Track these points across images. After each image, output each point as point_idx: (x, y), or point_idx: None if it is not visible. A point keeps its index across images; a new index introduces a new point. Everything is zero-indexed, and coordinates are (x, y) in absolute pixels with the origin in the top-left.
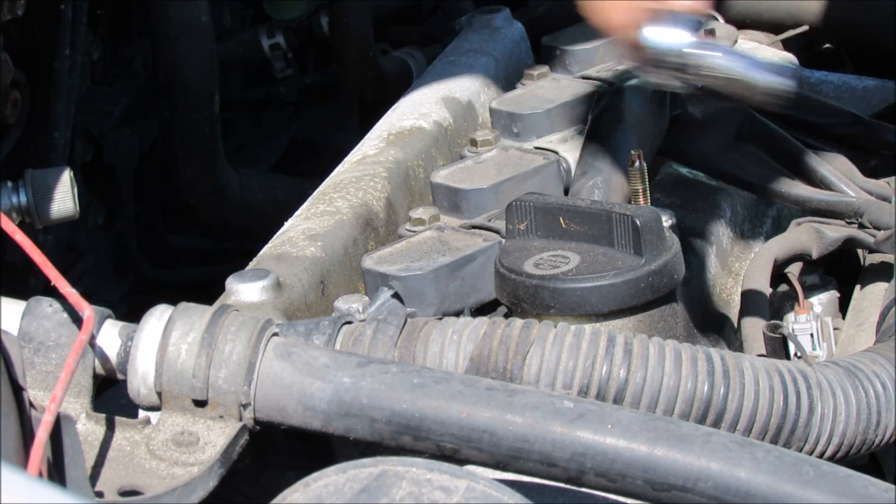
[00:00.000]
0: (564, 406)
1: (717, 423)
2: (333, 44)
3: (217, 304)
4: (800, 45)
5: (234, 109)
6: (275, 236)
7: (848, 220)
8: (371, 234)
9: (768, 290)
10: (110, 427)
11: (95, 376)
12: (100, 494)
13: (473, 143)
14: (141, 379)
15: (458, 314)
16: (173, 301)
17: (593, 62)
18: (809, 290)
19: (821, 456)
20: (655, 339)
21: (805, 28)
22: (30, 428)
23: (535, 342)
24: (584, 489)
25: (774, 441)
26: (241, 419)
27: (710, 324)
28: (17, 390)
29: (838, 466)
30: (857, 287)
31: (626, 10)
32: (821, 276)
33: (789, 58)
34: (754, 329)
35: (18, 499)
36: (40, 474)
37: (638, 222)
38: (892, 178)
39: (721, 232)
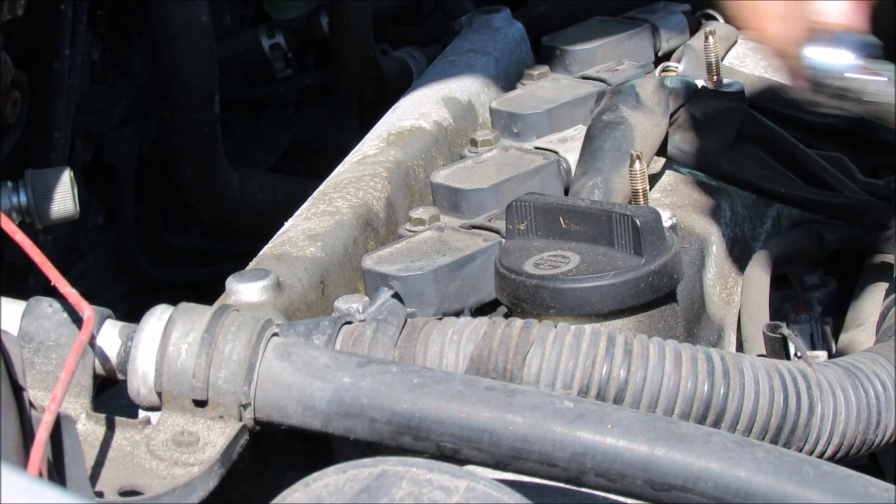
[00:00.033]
0: (564, 406)
1: (717, 423)
2: (333, 44)
3: (217, 304)
4: None
5: (234, 109)
6: (275, 236)
7: (848, 220)
8: (371, 234)
9: (768, 290)
10: (110, 427)
11: (95, 376)
12: (100, 494)
13: (473, 143)
14: (141, 379)
15: (458, 314)
16: (173, 301)
17: (593, 62)
18: (809, 290)
19: (821, 456)
20: (655, 339)
21: None
22: (30, 428)
23: (535, 342)
24: (584, 489)
25: (774, 441)
26: (241, 419)
27: (710, 324)
28: (17, 390)
29: (838, 466)
30: (857, 287)
31: (785, 24)
32: (821, 276)
33: None
34: (754, 329)
35: (18, 499)
36: (40, 474)
37: (638, 222)
38: (892, 178)
39: (721, 232)
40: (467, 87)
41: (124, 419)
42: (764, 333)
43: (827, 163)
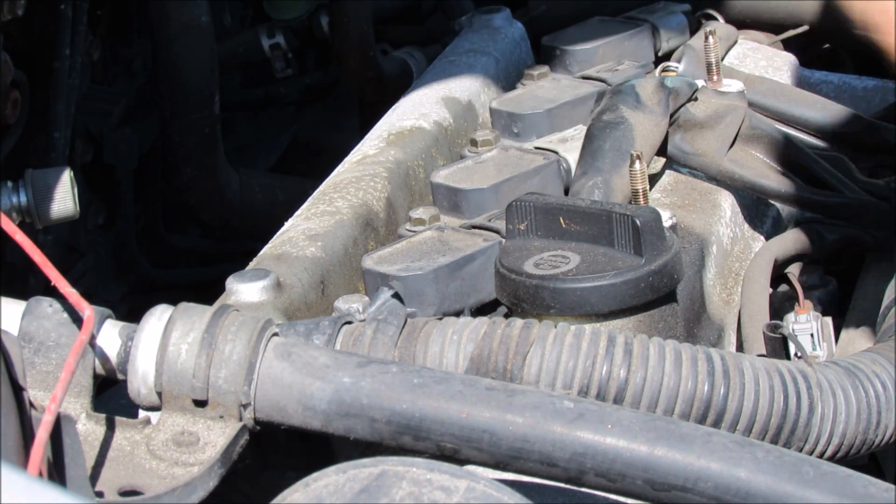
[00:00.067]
0: (564, 406)
1: (717, 423)
2: (333, 44)
3: (217, 304)
4: (800, 45)
5: (234, 109)
6: (275, 236)
7: (848, 220)
8: (371, 234)
9: (768, 290)
10: (110, 427)
11: (95, 376)
12: (100, 494)
13: (473, 143)
14: (141, 379)
15: (458, 314)
16: (173, 301)
17: (593, 62)
18: (809, 290)
19: (821, 456)
20: (655, 339)
21: (805, 28)
22: (30, 428)
23: (536, 342)
24: (584, 489)
25: (774, 441)
26: (241, 419)
27: (710, 324)
28: (17, 390)
29: (838, 466)
30: (857, 287)
31: None
32: (821, 276)
33: (789, 58)
34: (754, 329)
35: (18, 499)
36: (40, 474)
37: (638, 222)
38: (892, 178)
39: (721, 232)
40: (467, 87)
41: (124, 419)
42: (764, 333)
43: (827, 163)
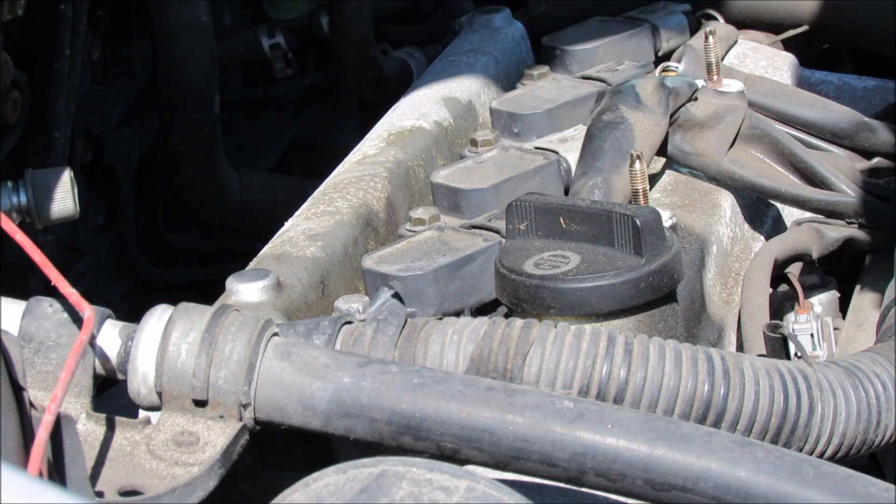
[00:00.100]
0: (564, 406)
1: (717, 423)
2: (333, 44)
3: (217, 304)
4: (800, 45)
5: (234, 109)
6: (275, 236)
7: (848, 220)
8: (371, 234)
9: (768, 290)
10: (110, 427)
11: (95, 376)
12: (100, 494)
13: (473, 143)
14: (141, 379)
15: (458, 314)
16: (173, 301)
17: (593, 62)
18: (809, 290)
19: (821, 456)
20: (655, 339)
21: (805, 28)
22: (30, 428)
23: (536, 342)
24: (584, 489)
25: (774, 441)
26: (241, 419)
27: (710, 324)
28: (18, 390)
29: (838, 466)
30: (857, 287)
31: None
32: (821, 276)
33: (789, 58)
34: (754, 329)
35: (18, 499)
36: (40, 474)
37: (638, 222)
38: (892, 178)
39: (721, 232)
40: (467, 87)
41: (124, 419)
42: (764, 333)
43: (827, 163)
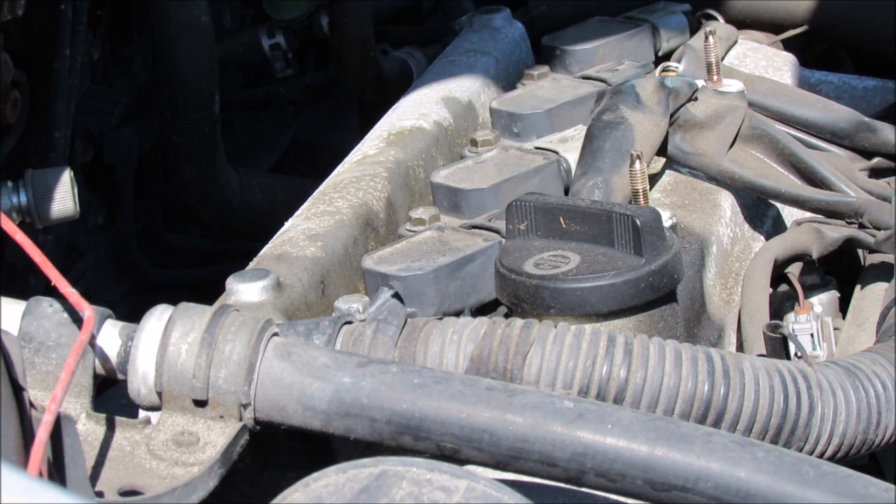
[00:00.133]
0: (564, 406)
1: (717, 423)
2: (333, 44)
3: (217, 304)
4: (800, 45)
5: (234, 109)
6: (275, 236)
7: (848, 220)
8: (371, 234)
9: (768, 290)
10: (110, 427)
11: (95, 376)
12: (100, 494)
13: (473, 143)
14: (141, 379)
15: (458, 314)
16: (173, 301)
17: (593, 62)
18: (809, 290)
19: (821, 456)
20: (655, 339)
21: (805, 28)
22: (30, 428)
23: (536, 342)
24: (584, 489)
25: (774, 441)
26: (241, 419)
27: (710, 324)
28: (18, 390)
29: (838, 466)
30: (857, 287)
31: None
32: (821, 276)
33: (789, 58)
34: (754, 329)
35: (18, 499)
36: (40, 474)
37: (638, 222)
38: (892, 178)
39: (721, 232)
40: (467, 87)
41: (124, 419)
42: (764, 333)
43: (827, 163)
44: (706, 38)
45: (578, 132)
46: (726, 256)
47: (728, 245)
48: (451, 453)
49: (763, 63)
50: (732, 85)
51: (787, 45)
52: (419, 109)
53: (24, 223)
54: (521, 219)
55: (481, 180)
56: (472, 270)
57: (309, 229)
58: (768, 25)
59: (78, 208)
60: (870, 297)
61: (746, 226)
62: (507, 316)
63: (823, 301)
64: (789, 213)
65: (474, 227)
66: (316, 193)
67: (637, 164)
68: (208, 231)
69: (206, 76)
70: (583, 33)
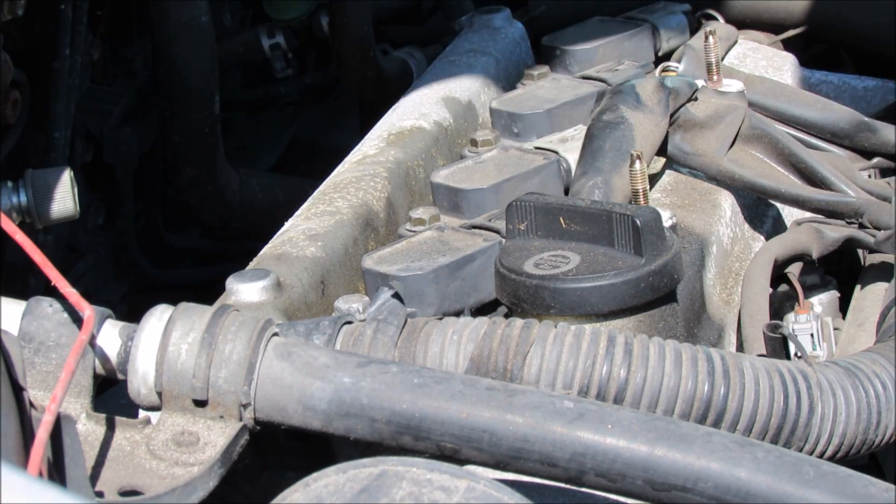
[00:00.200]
0: (564, 406)
1: (717, 423)
2: (333, 44)
3: (217, 304)
4: (800, 45)
5: (234, 109)
6: (275, 236)
7: (848, 220)
8: (371, 234)
9: (768, 290)
10: (110, 427)
11: (95, 376)
12: (100, 494)
13: (473, 143)
14: (141, 379)
15: (458, 314)
16: (173, 301)
17: (593, 62)
18: (809, 290)
19: (821, 456)
20: (655, 340)
21: (805, 28)
22: (30, 428)
23: (536, 342)
24: (584, 489)
25: (774, 441)
26: (241, 419)
27: (710, 324)
28: (18, 390)
29: (838, 466)
30: (857, 287)
31: None
32: (821, 276)
33: (789, 58)
34: (754, 329)
35: (18, 499)
36: (40, 474)
37: (638, 222)
38: (892, 178)
39: (721, 232)
40: (467, 87)
41: (124, 419)
42: (764, 333)
43: (827, 163)
44: (706, 38)
45: (578, 132)
46: (726, 256)
47: (728, 245)
48: (451, 453)
49: (763, 63)
50: (732, 85)
51: (787, 45)
52: (419, 109)
53: (24, 223)
54: (521, 219)
55: (481, 180)
56: (472, 270)
57: (309, 229)
58: (768, 25)
59: (78, 208)
60: (870, 297)
61: (746, 226)
62: (507, 316)
63: (823, 301)
64: (789, 213)
65: (474, 227)
66: (316, 193)
67: (637, 164)
68: (208, 231)
69: (206, 76)
70: (583, 33)
